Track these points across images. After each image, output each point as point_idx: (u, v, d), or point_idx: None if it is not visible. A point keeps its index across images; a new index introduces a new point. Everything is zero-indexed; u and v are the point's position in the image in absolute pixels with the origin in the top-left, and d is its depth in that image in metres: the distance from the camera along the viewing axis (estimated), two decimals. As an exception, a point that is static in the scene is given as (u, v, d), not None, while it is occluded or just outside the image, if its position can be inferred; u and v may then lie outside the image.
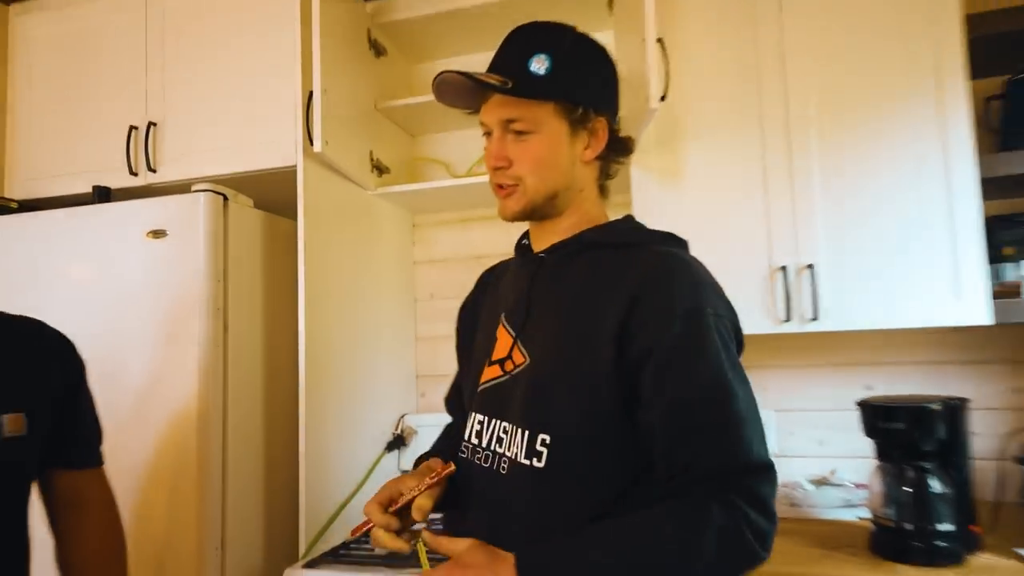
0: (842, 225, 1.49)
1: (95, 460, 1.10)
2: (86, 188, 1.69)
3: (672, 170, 1.61)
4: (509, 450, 0.86)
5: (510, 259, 1.05)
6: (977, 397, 1.65)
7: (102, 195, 1.69)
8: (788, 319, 1.50)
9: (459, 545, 0.79)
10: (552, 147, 0.87)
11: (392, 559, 1.44)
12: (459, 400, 1.06)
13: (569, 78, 0.87)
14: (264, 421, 1.69)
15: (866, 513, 1.42)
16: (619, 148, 0.93)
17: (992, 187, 1.51)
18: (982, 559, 1.28)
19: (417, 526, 0.86)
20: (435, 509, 0.89)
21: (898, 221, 1.46)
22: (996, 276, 1.51)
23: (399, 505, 0.85)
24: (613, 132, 0.91)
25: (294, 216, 1.61)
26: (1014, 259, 1.56)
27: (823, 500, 1.63)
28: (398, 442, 1.93)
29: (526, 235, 1.00)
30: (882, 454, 1.37)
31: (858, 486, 1.64)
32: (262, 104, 1.68)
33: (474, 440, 0.92)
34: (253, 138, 1.68)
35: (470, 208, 2.08)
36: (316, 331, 1.59)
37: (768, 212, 1.54)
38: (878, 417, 1.35)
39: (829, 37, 1.52)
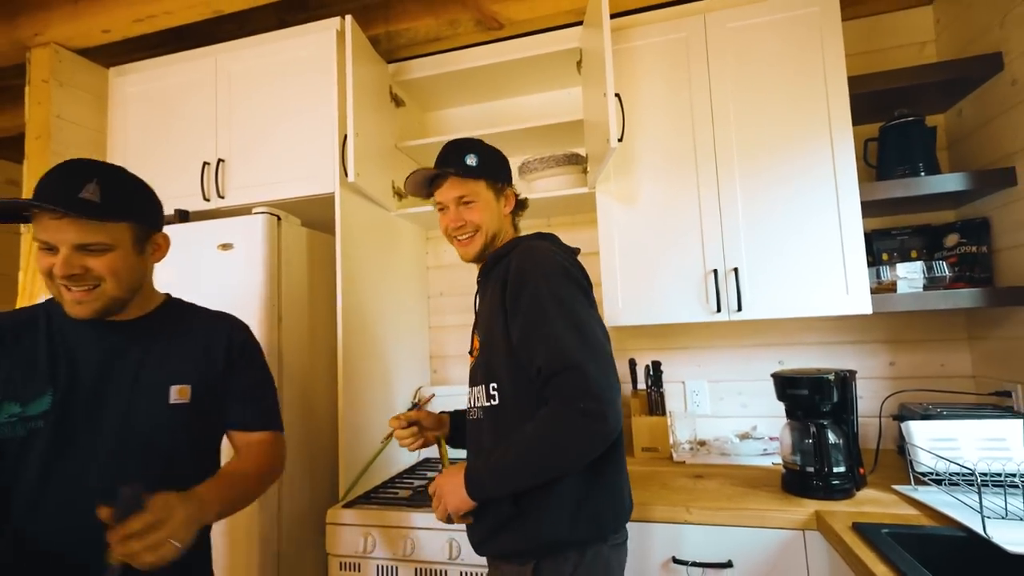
0: (759, 238, 1.51)
1: (256, 425, 1.04)
2: (169, 211, 1.67)
3: (628, 195, 1.62)
4: (479, 402, 1.05)
5: None
6: (863, 369, 1.69)
7: (182, 216, 1.68)
8: (719, 311, 1.51)
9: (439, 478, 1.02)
10: (487, 208, 1.11)
11: (411, 500, 1.45)
12: None
13: (489, 166, 1.11)
14: (310, 393, 1.68)
15: (779, 460, 1.44)
16: (521, 205, 1.18)
17: (872, 208, 1.55)
18: (867, 493, 1.29)
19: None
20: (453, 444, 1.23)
21: (801, 234, 1.48)
22: (876, 276, 1.54)
23: (408, 418, 1.20)
24: (516, 196, 1.17)
25: (332, 232, 1.61)
26: (890, 263, 1.59)
27: (747, 450, 1.64)
28: (415, 407, 1.92)
29: None
30: (790, 414, 1.38)
31: (772, 439, 1.67)
32: (307, 144, 1.67)
33: (468, 405, 1.11)
34: (300, 171, 1.67)
35: (471, 225, 2.08)
36: (351, 321, 1.58)
37: (702, 228, 1.55)
38: (787, 385, 1.36)
39: (747, 95, 1.54)
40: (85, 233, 0.85)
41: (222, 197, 1.73)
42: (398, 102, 1.89)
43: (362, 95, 1.61)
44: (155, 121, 1.84)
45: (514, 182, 1.21)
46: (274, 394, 1.09)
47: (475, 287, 1.17)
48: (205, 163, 1.74)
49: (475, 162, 1.09)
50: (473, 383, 1.08)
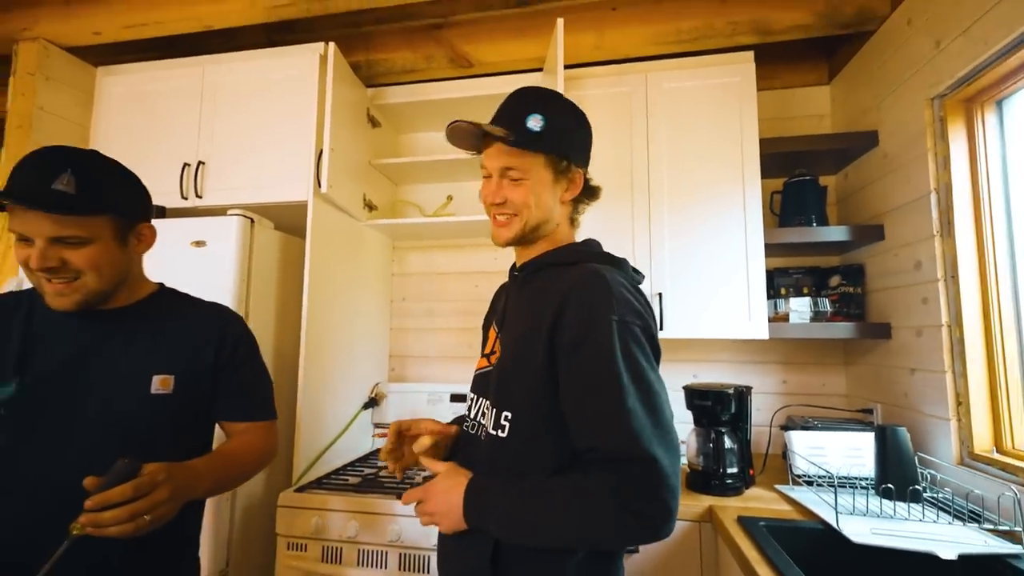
0: (681, 267, 1.60)
1: (249, 418, 0.99)
2: (146, 206, 1.63)
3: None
4: (484, 420, 0.82)
5: None
6: (762, 385, 1.81)
7: (159, 212, 1.63)
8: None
9: (440, 466, 0.80)
10: (539, 191, 0.81)
11: (360, 487, 1.45)
12: None
13: (558, 136, 0.80)
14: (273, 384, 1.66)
15: (685, 461, 1.51)
16: (590, 193, 0.87)
17: (774, 249, 1.67)
18: (754, 491, 1.38)
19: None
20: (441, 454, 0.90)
21: (715, 268, 1.58)
22: (775, 307, 1.67)
23: (409, 433, 0.89)
24: (587, 180, 0.85)
25: (303, 236, 1.60)
26: (786, 297, 1.72)
27: (660, 451, 1.72)
28: (372, 403, 1.92)
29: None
30: (697, 421, 1.46)
31: (682, 443, 1.76)
32: (284, 154, 1.66)
33: (468, 413, 0.89)
34: (276, 178, 1.65)
35: (436, 239, 2.10)
36: (315, 320, 1.58)
37: (634, 253, 1.62)
38: (694, 397, 1.44)
39: (677, 144, 1.63)
40: (60, 226, 0.78)
41: (200, 197, 1.69)
42: (374, 123, 1.90)
43: (340, 113, 1.62)
44: (139, 121, 1.78)
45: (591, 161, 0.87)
46: (268, 384, 1.04)
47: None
48: (186, 164, 1.70)
49: (540, 126, 0.78)
50: (482, 393, 0.84)
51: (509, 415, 0.76)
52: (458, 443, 0.91)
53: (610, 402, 0.66)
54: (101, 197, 0.82)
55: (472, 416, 0.86)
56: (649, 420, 0.66)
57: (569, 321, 0.71)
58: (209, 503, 1.38)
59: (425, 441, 0.83)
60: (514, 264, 0.91)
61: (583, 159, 0.85)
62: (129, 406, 0.86)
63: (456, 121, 0.80)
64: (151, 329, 0.92)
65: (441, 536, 0.83)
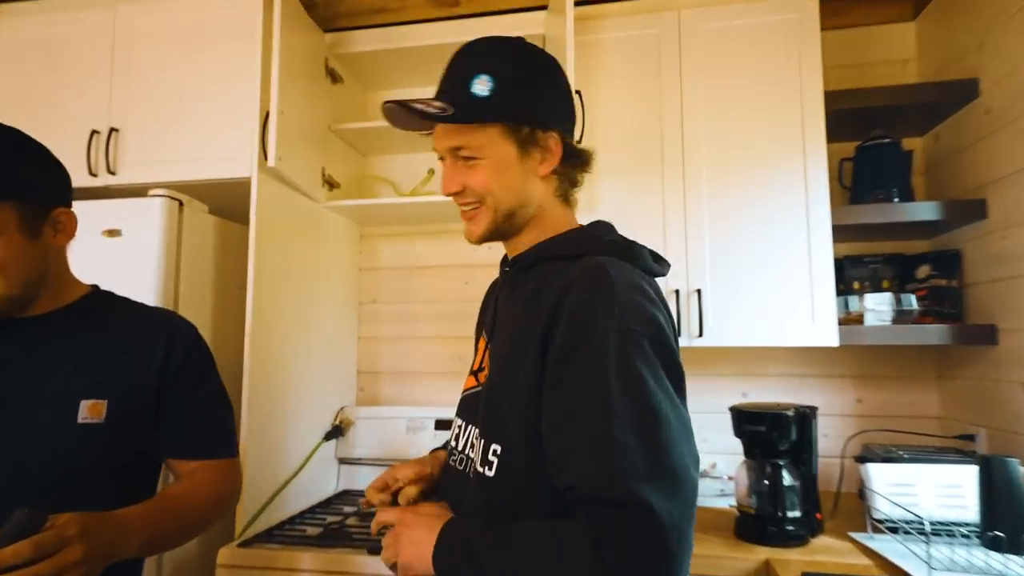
0: (725, 257, 1.58)
1: (202, 454, 0.97)
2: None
3: (585, 204, 1.65)
4: (471, 453, 0.80)
5: None
6: (828, 405, 1.80)
7: (60, 193, 1.61)
8: (679, 335, 1.58)
9: (396, 516, 0.79)
10: (501, 170, 0.78)
11: (321, 539, 1.44)
12: None
13: (513, 97, 0.77)
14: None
15: (734, 503, 1.49)
16: (578, 160, 0.84)
17: (844, 232, 1.66)
18: (822, 540, 1.36)
19: None
20: (427, 497, 0.89)
21: (768, 256, 1.56)
22: (845, 306, 1.65)
23: (392, 489, 0.87)
24: (568, 144, 0.82)
25: (247, 223, 1.58)
26: (860, 292, 1.70)
27: (702, 490, 1.69)
28: (336, 432, 1.91)
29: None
30: (747, 451, 1.45)
31: (730, 478, 1.74)
32: (222, 118, 1.64)
33: (452, 442, 0.87)
34: (211, 149, 1.64)
35: (414, 223, 2.09)
36: (262, 327, 1.56)
37: (665, 242, 1.61)
38: (744, 420, 1.43)
39: (719, 102, 1.62)
40: None
41: (113, 174, 1.67)
42: (335, 78, 1.88)
43: (291, 67, 1.60)
44: (34, 77, 1.76)
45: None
46: (227, 414, 1.03)
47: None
48: (94, 132, 1.68)
49: (488, 89, 0.75)
50: (470, 420, 0.83)
51: (498, 449, 0.75)
52: (439, 481, 0.90)
53: (593, 429, 0.64)
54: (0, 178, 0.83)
55: (459, 448, 0.84)
56: (644, 455, 0.62)
57: (564, 324, 0.70)
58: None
59: (411, 492, 0.84)
60: (505, 256, 0.89)
61: (556, 118, 0.81)
62: (49, 439, 0.86)
63: (386, 103, 0.79)
64: (82, 342, 0.91)
65: None
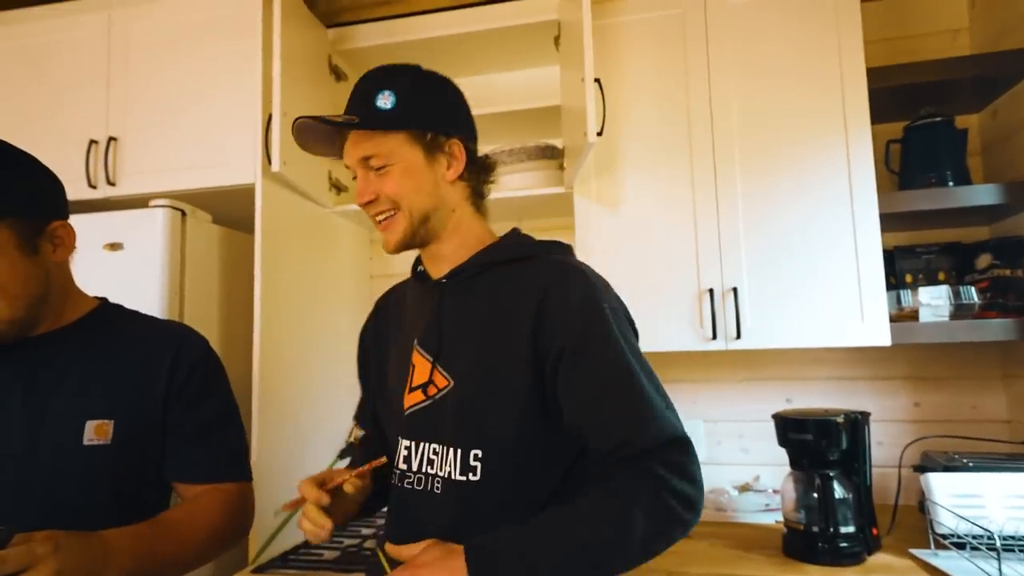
0: (762, 253, 1.56)
1: (209, 477, 0.97)
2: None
3: (611, 198, 1.67)
4: (442, 470, 0.86)
5: (404, 282, 1.08)
6: (880, 410, 1.76)
7: (60, 207, 1.66)
8: (715, 337, 1.56)
9: (416, 548, 0.80)
10: (411, 174, 0.89)
11: (339, 563, 1.44)
12: (369, 414, 1.08)
13: (414, 108, 0.89)
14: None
15: (781, 517, 1.46)
16: (480, 166, 0.97)
17: (894, 221, 1.62)
18: (880, 558, 1.33)
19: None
20: (361, 511, 0.95)
21: (810, 250, 1.54)
22: (897, 302, 1.61)
23: (331, 485, 0.86)
24: (471, 152, 0.95)
25: (252, 231, 1.61)
26: (913, 286, 1.66)
27: (745, 505, 1.69)
28: (350, 449, 1.92)
29: (420, 259, 1.01)
30: (794, 462, 1.43)
31: (775, 491, 1.71)
32: (223, 122, 1.67)
33: (403, 466, 0.91)
34: (213, 156, 1.67)
35: (426, 226, 2.10)
36: (271, 341, 1.58)
37: (697, 238, 1.60)
38: (789, 428, 1.40)
39: (751, 84, 1.60)
40: None
41: (112, 185, 1.71)
42: (339, 75, 1.90)
43: (293, 66, 1.63)
44: (30, 86, 1.82)
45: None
46: (234, 433, 1.03)
47: None
48: (92, 141, 1.73)
49: (390, 103, 0.88)
50: (425, 436, 0.90)
51: (480, 453, 0.84)
52: (373, 500, 0.97)
53: (632, 393, 0.80)
54: None
55: (414, 468, 0.90)
56: (663, 402, 0.82)
57: (561, 320, 0.83)
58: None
59: (355, 483, 0.87)
60: (421, 271, 1.00)
61: (456, 127, 0.94)
62: (55, 460, 0.87)
63: (297, 119, 0.89)
64: (86, 360, 0.93)
65: None
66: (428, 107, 0.91)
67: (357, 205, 0.92)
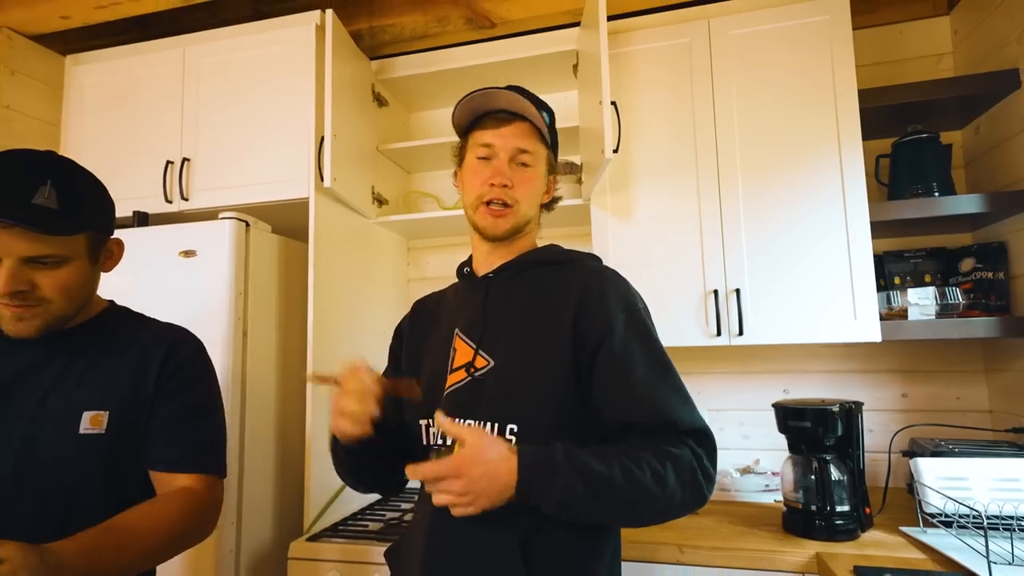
0: (762, 257, 1.55)
1: (178, 465, 0.92)
2: (127, 212, 1.71)
3: (624, 209, 1.67)
4: None
5: (443, 290, 1.08)
6: (873, 400, 1.74)
7: (141, 219, 1.71)
8: (719, 334, 1.55)
9: (465, 430, 0.76)
10: (539, 184, 0.95)
11: (382, 534, 1.47)
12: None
13: (554, 137, 0.99)
14: (276, 416, 1.71)
15: (780, 497, 1.47)
16: (554, 203, 1.04)
17: (883, 228, 1.61)
18: (873, 535, 1.33)
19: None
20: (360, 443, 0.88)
21: (807, 254, 1.52)
22: (887, 302, 1.60)
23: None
24: (556, 188, 1.04)
25: (306, 240, 1.64)
26: (902, 287, 1.65)
27: (747, 486, 1.68)
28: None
29: (466, 263, 1.03)
30: (792, 447, 1.42)
31: (774, 474, 1.70)
32: (281, 144, 1.71)
33: (439, 441, 0.90)
34: (273, 174, 1.70)
35: (456, 235, 2.12)
36: (322, 337, 1.61)
37: (703, 245, 1.59)
38: (788, 417, 1.40)
39: (752, 106, 1.59)
40: (39, 245, 0.80)
41: (186, 199, 1.76)
42: (381, 102, 1.94)
43: (342, 94, 1.66)
44: (115, 115, 1.87)
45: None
46: (212, 426, 0.98)
47: None
48: (168, 162, 1.78)
49: (549, 120, 0.96)
50: (464, 413, 0.86)
51: (515, 427, 0.84)
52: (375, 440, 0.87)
53: (673, 383, 0.85)
54: (81, 212, 0.85)
55: (448, 444, 0.88)
56: (689, 394, 0.87)
57: (596, 317, 0.86)
58: (208, 551, 1.44)
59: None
60: (468, 271, 1.01)
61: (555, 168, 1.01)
62: (53, 448, 0.85)
63: (475, 94, 0.92)
64: (92, 355, 0.92)
65: (442, 537, 0.84)
66: (556, 142, 1.02)
67: (485, 183, 0.92)
